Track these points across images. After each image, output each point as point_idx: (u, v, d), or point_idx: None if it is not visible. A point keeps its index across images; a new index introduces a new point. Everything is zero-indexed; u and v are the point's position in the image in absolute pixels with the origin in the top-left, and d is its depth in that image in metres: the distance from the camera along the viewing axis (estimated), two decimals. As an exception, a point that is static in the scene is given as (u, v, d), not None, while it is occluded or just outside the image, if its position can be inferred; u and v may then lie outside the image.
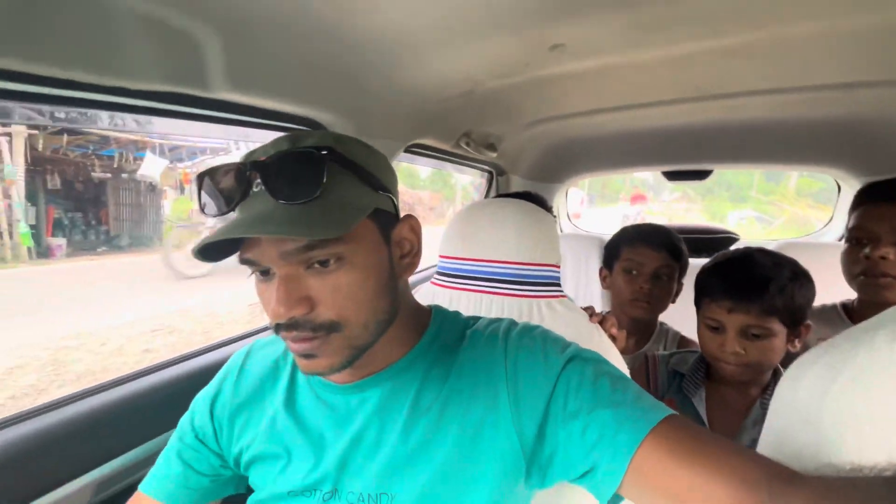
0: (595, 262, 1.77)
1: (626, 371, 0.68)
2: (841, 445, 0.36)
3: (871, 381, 0.35)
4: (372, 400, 0.50)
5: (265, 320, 0.49)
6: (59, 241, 6.59)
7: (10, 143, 5.64)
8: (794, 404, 0.43)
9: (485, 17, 0.69)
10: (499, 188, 1.94)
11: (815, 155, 1.69)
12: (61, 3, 0.44)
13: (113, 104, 0.56)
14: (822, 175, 1.95)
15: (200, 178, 0.45)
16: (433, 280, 0.79)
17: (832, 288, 1.09)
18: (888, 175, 1.01)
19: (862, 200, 1.01)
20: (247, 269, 0.46)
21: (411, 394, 0.49)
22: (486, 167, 1.84)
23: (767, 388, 0.82)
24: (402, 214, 0.51)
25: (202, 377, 0.63)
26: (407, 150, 1.16)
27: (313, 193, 0.41)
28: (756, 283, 0.77)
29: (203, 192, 0.45)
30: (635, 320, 1.14)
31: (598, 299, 1.72)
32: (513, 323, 0.54)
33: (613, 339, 0.75)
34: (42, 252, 6.26)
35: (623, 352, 0.75)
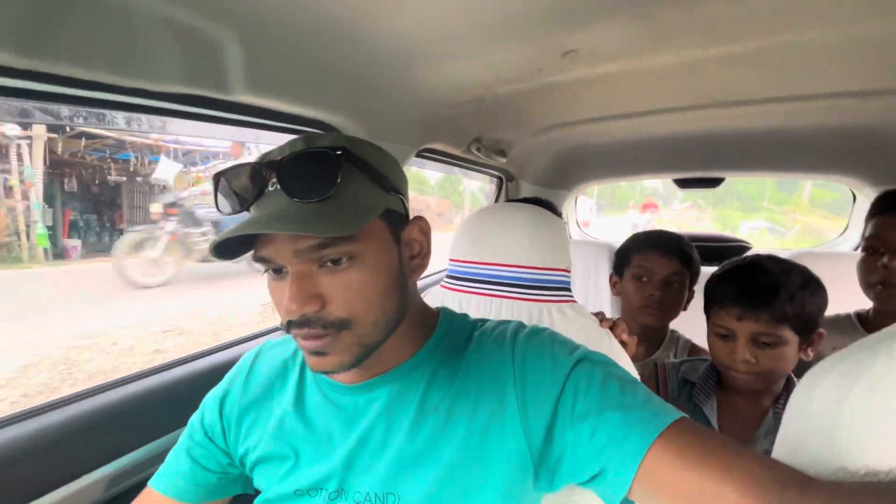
0: (604, 269, 1.76)
1: (636, 376, 0.67)
2: (857, 455, 0.35)
3: (889, 389, 0.34)
4: (379, 400, 0.50)
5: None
6: (74, 243, 6.72)
7: (30, 146, 5.78)
8: (809, 414, 0.43)
9: (498, 23, 0.70)
10: (508, 194, 1.94)
11: (830, 163, 1.67)
12: (88, 6, 0.46)
13: (134, 105, 0.57)
14: (837, 185, 1.93)
15: (217, 177, 0.46)
16: (443, 283, 0.80)
17: (847, 298, 1.07)
18: None
19: (879, 209, 1.00)
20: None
21: (418, 394, 0.49)
22: (496, 173, 1.84)
23: (780, 398, 0.81)
24: (411, 217, 0.52)
25: (212, 376, 0.64)
26: (418, 155, 1.17)
27: (327, 192, 0.42)
28: (766, 290, 0.77)
29: (219, 192, 0.46)
30: (645, 327, 1.13)
31: (608, 307, 1.71)
32: (521, 325, 0.54)
33: (624, 344, 0.75)
34: (58, 253, 6.38)
35: (633, 359, 0.74)
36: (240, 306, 4.53)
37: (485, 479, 0.46)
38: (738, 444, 0.40)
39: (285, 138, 0.74)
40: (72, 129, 6.08)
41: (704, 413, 0.84)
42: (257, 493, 0.57)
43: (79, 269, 6.18)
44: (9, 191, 5.74)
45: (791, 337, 0.77)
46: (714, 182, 1.89)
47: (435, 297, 0.78)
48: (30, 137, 5.75)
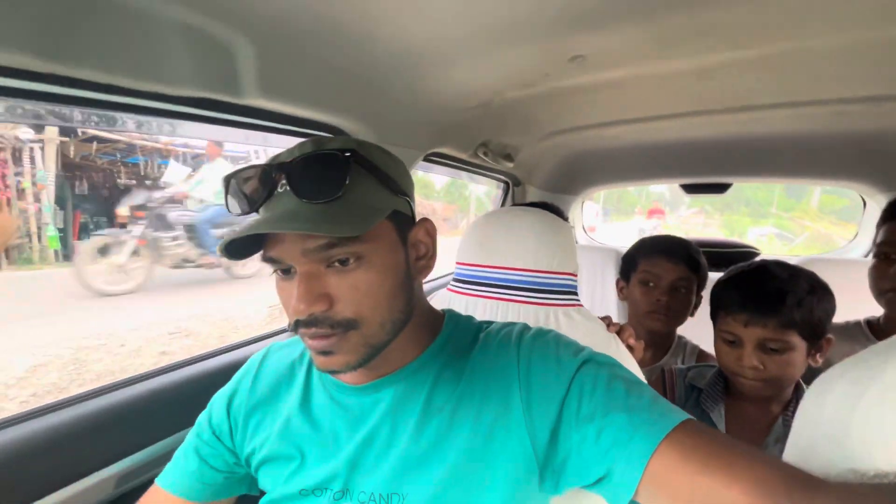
0: (611, 275, 1.76)
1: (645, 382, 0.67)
2: (870, 462, 0.35)
3: None
4: (385, 401, 0.51)
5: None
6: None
7: (42, 149, 5.87)
8: (820, 420, 0.42)
9: (507, 28, 0.71)
10: (515, 199, 1.95)
11: (839, 169, 1.66)
12: (108, 12, 0.47)
13: (149, 108, 0.59)
14: (846, 191, 1.91)
15: (227, 179, 0.47)
16: (449, 287, 0.80)
17: (857, 305, 1.06)
18: None
19: (890, 215, 0.99)
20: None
21: (423, 395, 0.50)
22: (503, 177, 1.85)
23: (789, 405, 0.80)
24: (418, 219, 0.53)
25: (220, 376, 0.65)
26: (426, 159, 1.18)
27: (336, 193, 0.43)
28: (772, 296, 0.76)
29: (230, 192, 0.47)
30: (652, 333, 1.12)
31: (615, 312, 1.70)
32: (526, 327, 0.54)
33: (631, 349, 0.75)
34: (68, 255, 6.45)
35: (640, 364, 0.74)
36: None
37: (489, 480, 0.46)
38: (746, 446, 0.39)
39: (293, 142, 0.76)
40: (84, 132, 6.16)
41: (712, 419, 0.84)
42: (262, 493, 0.57)
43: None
44: (21, 193, 5.82)
45: (799, 343, 0.76)
46: (721, 188, 1.88)
47: (441, 301, 0.78)
48: (42, 141, 5.84)
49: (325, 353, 0.45)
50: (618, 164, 1.91)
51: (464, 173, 1.59)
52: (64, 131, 5.88)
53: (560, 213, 1.36)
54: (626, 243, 1.30)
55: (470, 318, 0.58)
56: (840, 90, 1.02)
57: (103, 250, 4.64)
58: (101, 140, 6.39)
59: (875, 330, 1.05)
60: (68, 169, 6.27)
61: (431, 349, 0.52)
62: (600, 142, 1.63)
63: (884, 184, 1.62)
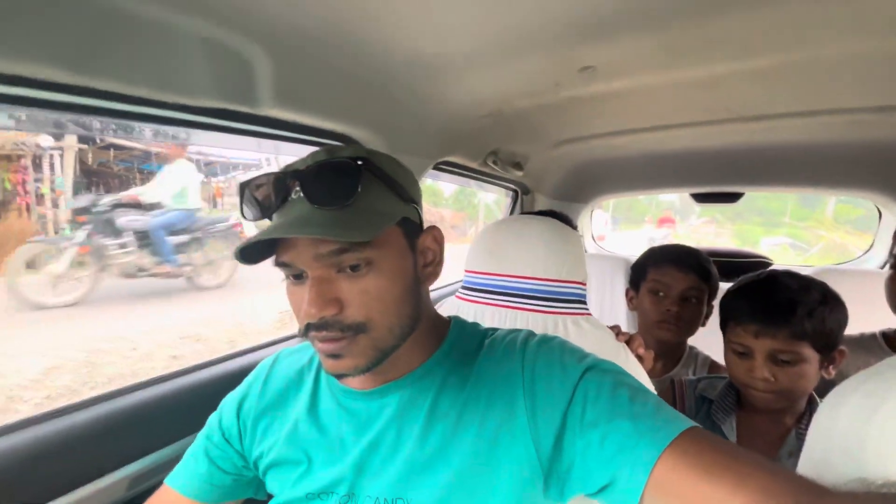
0: (620, 284, 1.75)
1: (652, 391, 0.67)
2: (885, 476, 0.34)
3: None
4: (391, 406, 0.51)
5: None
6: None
7: (61, 156, 6.03)
8: (834, 434, 0.42)
9: (516, 39, 0.72)
10: (524, 207, 1.95)
11: (852, 179, 1.64)
12: (135, 27, 0.49)
13: (170, 119, 0.61)
14: (862, 200, 1.88)
15: (243, 186, 0.49)
16: (458, 294, 0.80)
17: (872, 317, 1.04)
18: None
19: None
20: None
21: (429, 400, 0.50)
22: (512, 185, 1.85)
23: (803, 418, 0.79)
24: (426, 226, 0.54)
25: (231, 381, 0.66)
26: (435, 167, 1.19)
27: (348, 200, 0.44)
28: (783, 307, 0.75)
29: (245, 199, 0.48)
30: (663, 343, 1.11)
31: (624, 321, 1.69)
32: (531, 333, 0.55)
33: (640, 359, 0.74)
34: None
35: (650, 374, 0.74)
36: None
37: (494, 486, 0.46)
38: (751, 454, 0.39)
39: (305, 150, 0.78)
40: (101, 140, 6.32)
41: (723, 432, 0.83)
42: (269, 497, 0.58)
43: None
44: (40, 199, 5.97)
45: (811, 354, 0.75)
46: (732, 197, 1.87)
47: (450, 308, 0.79)
48: (61, 148, 6.00)
49: (334, 356, 0.46)
50: (627, 172, 1.91)
51: (473, 181, 1.60)
52: (82, 139, 6.03)
53: (569, 222, 1.36)
54: (635, 252, 1.29)
55: (475, 325, 0.58)
56: (851, 100, 1.01)
57: (36, 258, 4.08)
58: (117, 147, 6.54)
59: (891, 342, 1.03)
60: (86, 175, 6.42)
61: (437, 355, 0.53)
62: (609, 151, 1.63)
63: None
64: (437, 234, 0.53)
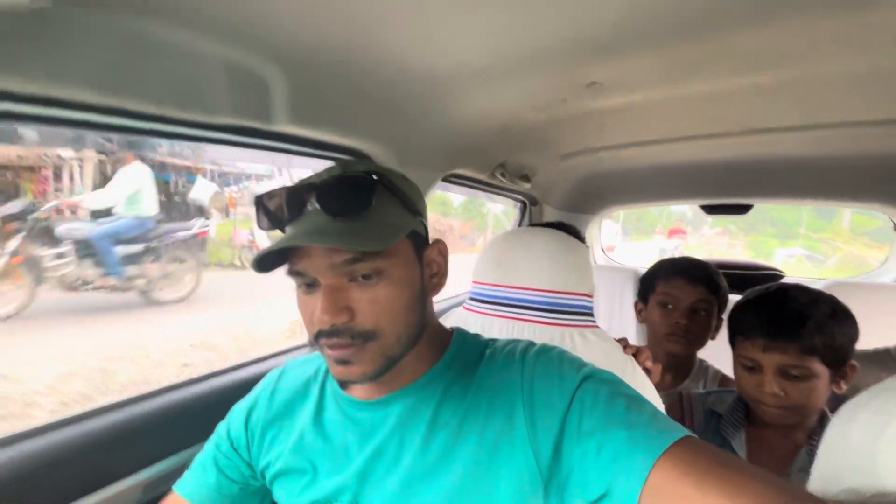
0: (629, 296, 1.74)
1: (661, 406, 0.66)
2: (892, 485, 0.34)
3: None
4: (394, 415, 0.52)
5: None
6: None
7: (81, 167, 6.21)
8: (845, 450, 0.42)
9: (524, 57, 0.74)
10: (532, 218, 1.96)
11: (863, 191, 1.62)
12: (160, 50, 0.52)
13: (190, 136, 0.63)
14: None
15: (259, 198, 0.51)
16: (465, 305, 0.81)
17: (888, 331, 1.03)
18: None
19: None
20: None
21: (430, 409, 0.51)
22: (520, 197, 1.86)
23: (814, 434, 0.78)
24: (430, 240, 0.56)
25: (240, 390, 0.67)
26: (444, 179, 1.21)
27: (363, 211, 0.46)
28: (792, 321, 0.75)
29: (262, 210, 0.50)
30: (672, 356, 1.11)
31: (633, 333, 1.68)
32: (531, 343, 0.56)
33: (648, 371, 0.74)
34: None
35: (659, 388, 0.73)
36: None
37: (494, 494, 0.47)
38: (745, 464, 0.39)
39: (317, 163, 0.80)
40: (119, 150, 6.49)
41: (733, 447, 0.82)
42: None
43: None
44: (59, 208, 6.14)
45: (821, 369, 0.74)
46: (742, 209, 1.86)
47: (458, 319, 0.79)
48: (81, 159, 6.19)
49: (343, 362, 0.47)
50: (635, 184, 1.91)
51: (482, 193, 1.62)
52: (102, 149, 6.19)
53: (576, 233, 1.36)
54: (646, 264, 1.29)
55: (477, 336, 0.60)
56: (859, 114, 1.01)
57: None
58: (135, 157, 6.71)
59: None
60: (104, 185, 6.60)
61: (439, 365, 0.54)
62: (617, 163, 1.63)
63: None
64: (442, 248, 0.55)
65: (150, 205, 4.52)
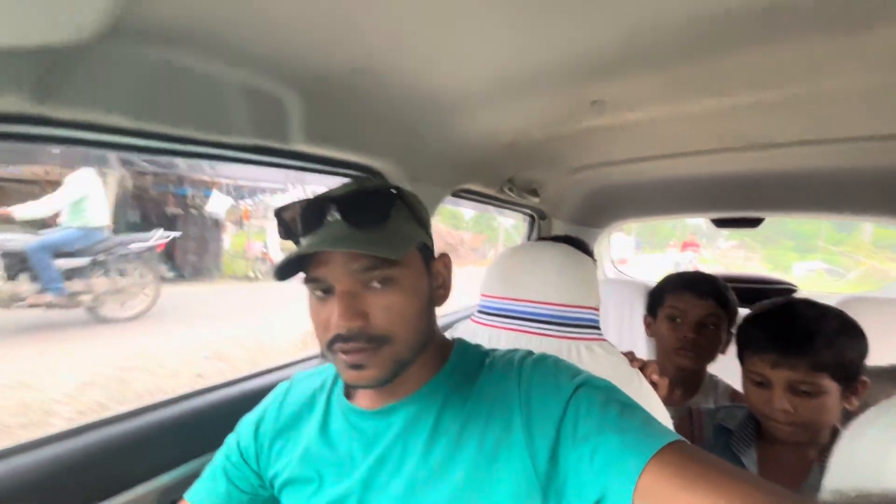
0: (639, 309, 1.73)
1: (668, 422, 0.66)
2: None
3: None
4: (397, 423, 0.54)
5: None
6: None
7: (104, 182, 6.42)
8: (853, 466, 0.42)
9: (529, 77, 0.76)
10: (541, 232, 1.97)
11: (875, 204, 1.60)
12: (186, 77, 0.56)
13: (212, 155, 0.67)
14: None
15: (280, 210, 0.54)
16: (473, 318, 0.82)
17: None
18: None
19: None
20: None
21: (432, 417, 0.53)
22: (529, 211, 1.88)
23: (826, 451, 0.76)
24: (436, 253, 0.59)
25: (249, 400, 0.69)
26: (453, 194, 1.24)
27: (382, 221, 0.50)
28: (800, 336, 0.74)
29: (283, 221, 0.54)
30: (681, 370, 1.10)
31: (643, 347, 1.66)
32: (529, 353, 0.57)
33: (655, 385, 0.74)
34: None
35: (668, 403, 0.73)
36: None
37: (493, 499, 0.48)
38: (734, 467, 0.40)
39: (329, 179, 0.83)
40: (140, 166, 6.69)
41: (744, 464, 0.81)
42: None
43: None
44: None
45: (831, 386, 0.73)
46: (753, 222, 1.84)
47: (466, 332, 0.80)
48: (105, 174, 6.40)
49: (357, 367, 0.49)
50: (643, 198, 1.91)
51: (491, 207, 1.64)
52: (123, 164, 6.38)
53: (584, 247, 1.37)
54: (658, 277, 1.29)
55: (477, 346, 0.61)
56: (865, 128, 1.01)
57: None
58: (155, 174, 6.91)
59: None
60: (125, 199, 6.79)
61: (441, 375, 0.56)
62: (624, 177, 1.64)
63: None
64: (447, 261, 0.59)
65: (97, 214, 4.04)
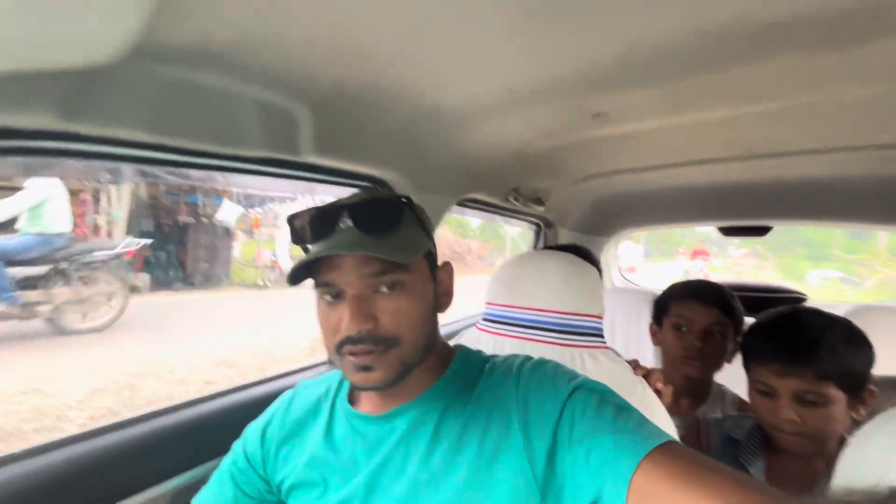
0: (647, 318, 1.71)
1: (673, 429, 0.67)
2: None
3: None
4: (399, 428, 0.55)
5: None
6: (144, 278, 7.29)
7: (118, 191, 6.56)
8: (859, 473, 0.42)
9: (533, 91, 0.78)
10: (547, 240, 1.98)
11: (884, 213, 1.58)
12: (201, 93, 0.59)
13: (225, 167, 0.70)
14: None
15: (292, 216, 0.56)
16: (478, 325, 0.84)
17: None
18: None
19: None
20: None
21: (434, 421, 0.54)
22: (535, 220, 1.89)
23: (834, 461, 0.75)
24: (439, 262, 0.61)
25: (257, 406, 0.71)
26: (459, 204, 1.26)
27: (391, 229, 0.52)
28: (806, 345, 0.73)
29: (296, 228, 0.55)
30: (688, 379, 1.09)
31: (650, 355, 1.65)
32: (528, 358, 0.59)
33: (659, 393, 0.75)
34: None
35: (675, 413, 0.73)
36: None
37: (493, 501, 0.49)
38: (725, 466, 0.41)
39: (338, 189, 0.85)
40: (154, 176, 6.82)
41: (752, 475, 0.80)
42: None
43: (154, 301, 5.66)
44: (96, 230, 6.46)
45: (838, 395, 0.72)
46: (761, 230, 1.83)
47: (470, 339, 0.82)
48: (118, 183, 6.53)
49: (365, 368, 0.51)
50: (649, 206, 1.92)
51: (497, 216, 1.65)
52: (138, 173, 6.50)
53: (589, 256, 1.37)
54: (665, 285, 1.28)
55: (478, 352, 0.63)
56: (867, 137, 1.01)
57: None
58: (167, 183, 7.04)
59: None
60: (138, 208, 6.92)
61: (442, 380, 0.57)
62: (630, 186, 1.65)
63: None
64: (449, 269, 0.61)
65: (57, 220, 3.76)
